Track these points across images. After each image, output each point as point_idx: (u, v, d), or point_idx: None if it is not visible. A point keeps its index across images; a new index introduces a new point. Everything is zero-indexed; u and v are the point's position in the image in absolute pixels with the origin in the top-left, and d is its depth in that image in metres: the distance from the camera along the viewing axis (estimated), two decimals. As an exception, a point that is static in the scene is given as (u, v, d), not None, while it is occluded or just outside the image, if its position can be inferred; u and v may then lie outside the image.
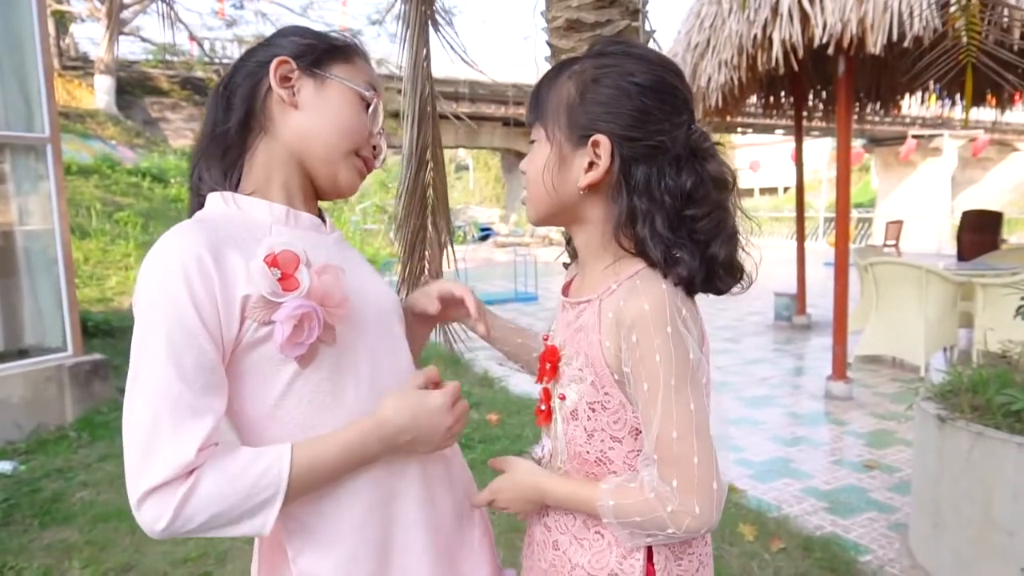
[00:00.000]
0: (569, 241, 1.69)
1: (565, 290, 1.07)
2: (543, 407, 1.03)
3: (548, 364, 1.00)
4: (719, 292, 0.94)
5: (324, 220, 1.02)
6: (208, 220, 0.90)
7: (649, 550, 0.93)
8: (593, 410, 0.94)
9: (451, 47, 1.85)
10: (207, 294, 0.80)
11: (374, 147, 1.01)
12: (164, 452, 0.77)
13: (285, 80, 0.94)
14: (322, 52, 0.97)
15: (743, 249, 0.95)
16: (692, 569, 0.96)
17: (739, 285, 0.95)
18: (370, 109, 0.99)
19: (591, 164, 0.91)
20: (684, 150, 0.91)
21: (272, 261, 0.83)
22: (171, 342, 0.79)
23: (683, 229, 0.90)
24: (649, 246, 0.89)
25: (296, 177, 0.98)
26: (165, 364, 0.79)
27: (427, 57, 1.76)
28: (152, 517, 0.79)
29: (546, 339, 1.06)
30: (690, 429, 0.84)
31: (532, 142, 0.98)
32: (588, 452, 0.96)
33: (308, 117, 0.95)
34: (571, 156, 0.92)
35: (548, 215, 0.98)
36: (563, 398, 0.98)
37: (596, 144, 0.90)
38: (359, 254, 1.07)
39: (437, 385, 0.97)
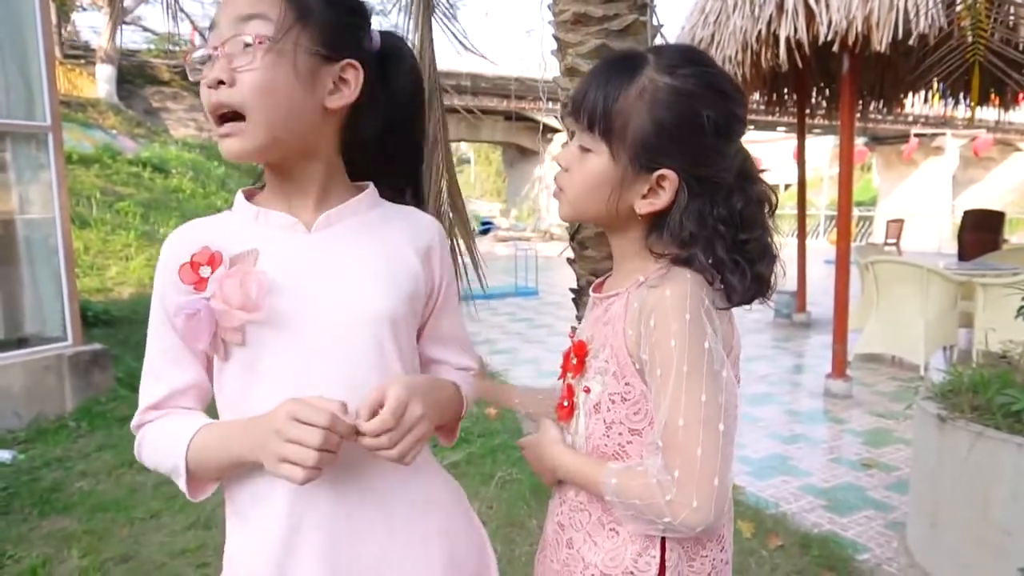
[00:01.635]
0: (573, 237, 1.69)
1: (598, 289, 1.07)
2: (565, 403, 1.03)
3: (575, 358, 1.01)
4: (746, 303, 0.96)
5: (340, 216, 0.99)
6: (203, 221, 1.00)
7: (663, 548, 0.92)
8: (613, 402, 0.94)
9: (454, 36, 1.85)
10: (170, 287, 0.93)
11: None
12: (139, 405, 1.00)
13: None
14: None
15: (781, 265, 0.97)
16: (704, 572, 0.95)
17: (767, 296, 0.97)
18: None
19: (650, 191, 0.92)
20: (736, 176, 0.93)
21: (192, 262, 0.91)
22: (152, 323, 0.98)
23: (734, 252, 0.91)
24: (697, 266, 0.90)
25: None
26: (150, 339, 0.98)
27: (431, 44, 1.76)
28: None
29: (572, 335, 1.07)
30: (697, 418, 0.83)
31: (585, 149, 0.95)
32: (607, 445, 0.96)
33: None
34: (632, 179, 0.92)
35: (587, 219, 1.01)
36: (587, 391, 0.98)
37: (663, 178, 0.91)
38: (360, 257, 0.97)
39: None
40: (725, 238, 0.90)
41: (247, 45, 0.86)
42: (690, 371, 0.84)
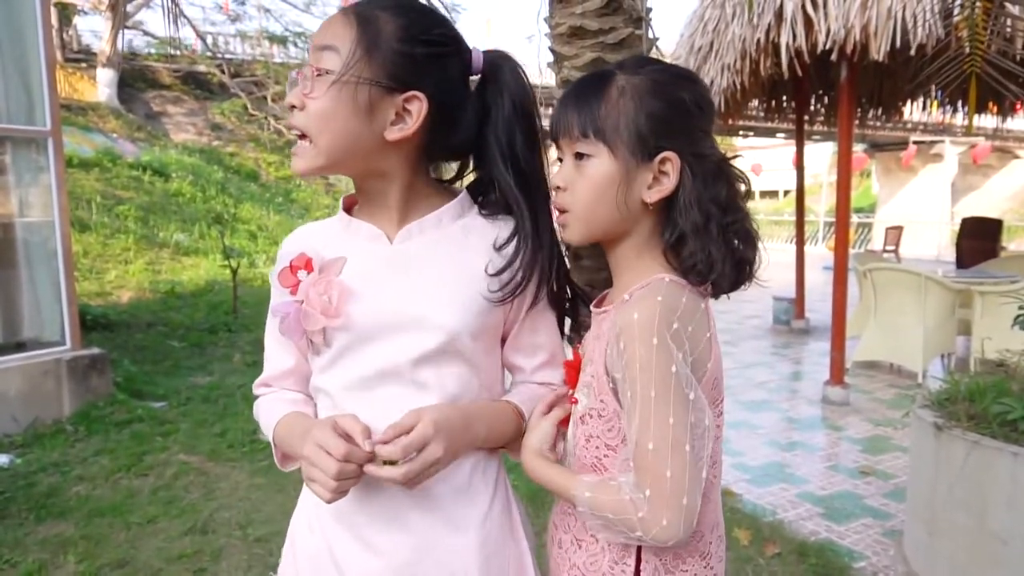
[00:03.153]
0: (568, 247, 1.69)
1: (598, 303, 1.08)
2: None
3: (573, 371, 1.04)
4: (732, 290, 0.99)
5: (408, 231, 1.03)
6: (311, 226, 1.12)
7: (638, 560, 0.95)
8: (591, 416, 0.97)
9: None
10: (275, 287, 1.05)
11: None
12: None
13: None
14: None
15: (763, 249, 1.00)
16: None
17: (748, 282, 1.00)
18: None
19: (655, 179, 0.94)
20: (718, 161, 0.97)
21: (292, 265, 1.01)
22: (269, 314, 1.07)
23: (722, 236, 0.94)
24: (697, 257, 0.93)
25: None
26: (268, 326, 1.10)
27: None
28: None
29: (578, 347, 1.09)
30: (666, 442, 0.85)
31: (582, 156, 0.96)
32: (587, 456, 0.99)
33: None
34: (636, 170, 0.94)
35: (600, 232, 0.99)
36: (575, 402, 1.02)
37: (665, 161, 0.93)
38: (434, 271, 1.00)
39: (349, 439, 0.91)
40: (716, 221, 0.93)
41: (317, 74, 0.93)
42: (657, 395, 0.86)
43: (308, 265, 0.99)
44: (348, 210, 1.08)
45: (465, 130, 1.03)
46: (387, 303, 0.98)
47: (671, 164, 0.93)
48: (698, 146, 0.95)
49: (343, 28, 0.93)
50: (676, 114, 0.94)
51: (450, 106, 0.99)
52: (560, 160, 1.01)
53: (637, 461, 0.87)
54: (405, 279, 0.99)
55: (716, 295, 0.98)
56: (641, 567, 0.95)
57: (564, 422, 1.06)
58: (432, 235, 1.02)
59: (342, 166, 0.98)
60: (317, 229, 1.08)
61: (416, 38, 0.95)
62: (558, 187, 0.99)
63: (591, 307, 1.07)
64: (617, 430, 0.94)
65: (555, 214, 1.03)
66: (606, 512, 0.90)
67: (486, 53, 1.04)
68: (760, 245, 0.99)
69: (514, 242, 1.03)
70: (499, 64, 1.05)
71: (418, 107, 0.95)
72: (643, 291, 0.93)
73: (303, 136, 0.96)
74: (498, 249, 1.02)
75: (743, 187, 0.99)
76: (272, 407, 1.10)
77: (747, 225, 0.97)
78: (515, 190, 1.03)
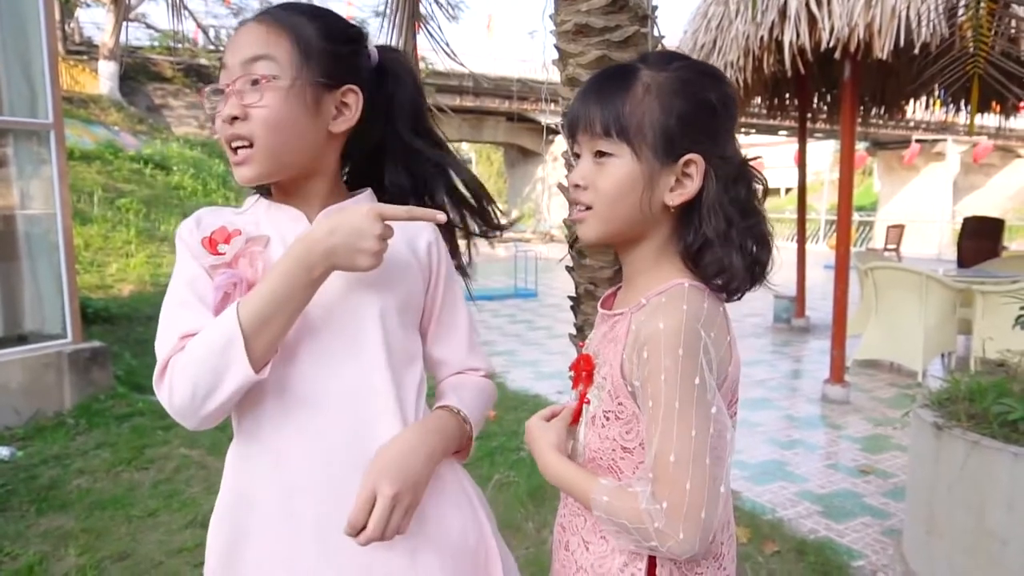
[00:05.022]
0: (572, 245, 1.70)
1: (606, 303, 1.07)
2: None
3: (584, 372, 1.02)
4: (744, 293, 0.98)
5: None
6: (218, 208, 1.08)
7: (651, 564, 0.93)
8: (607, 419, 0.95)
9: (437, 42, 1.87)
10: (196, 255, 1.00)
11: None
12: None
13: None
14: None
15: (776, 251, 0.99)
16: None
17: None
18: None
19: (678, 182, 0.93)
20: (740, 163, 0.96)
21: (211, 238, 0.99)
22: (171, 296, 0.99)
23: (740, 241, 0.93)
24: (721, 263, 0.92)
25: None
26: (166, 305, 0.99)
27: (415, 48, 1.79)
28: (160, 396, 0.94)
29: (581, 346, 1.08)
30: (688, 454, 0.84)
31: (603, 154, 0.94)
32: (601, 458, 0.97)
33: None
34: (659, 172, 0.92)
35: (618, 233, 0.97)
36: (587, 403, 1.00)
37: (690, 163, 0.92)
38: None
39: None
40: (736, 224, 0.93)
41: (255, 83, 0.95)
42: (681, 407, 0.85)
43: (227, 239, 0.99)
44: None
45: (380, 117, 1.10)
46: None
47: (696, 166, 0.91)
48: (722, 148, 0.94)
49: (272, 36, 0.97)
50: (702, 115, 0.92)
51: (369, 95, 1.05)
52: (576, 156, 0.99)
53: (657, 472, 0.86)
54: None
55: (730, 298, 0.97)
56: (656, 572, 0.93)
57: (573, 421, 1.05)
58: None
59: (288, 167, 1.01)
60: (227, 211, 1.07)
61: (336, 37, 1.02)
62: (577, 185, 0.97)
63: (599, 308, 1.06)
64: (636, 433, 0.93)
65: (571, 211, 1.03)
66: (622, 519, 0.88)
67: (377, 47, 1.11)
68: (774, 246, 0.98)
69: (431, 227, 1.11)
70: (389, 55, 1.13)
71: (354, 99, 1.03)
72: (665, 298, 0.91)
73: (248, 145, 0.97)
74: (411, 234, 1.08)
75: (760, 188, 0.98)
76: (207, 326, 0.93)
77: (763, 228, 0.96)
78: (432, 149, 1.14)
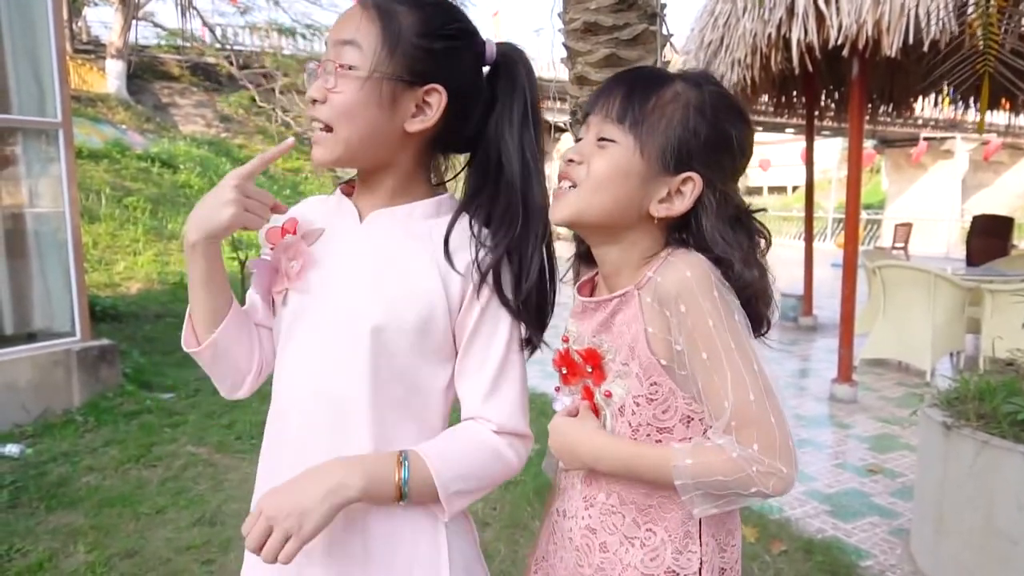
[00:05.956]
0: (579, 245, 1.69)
1: (584, 291, 1.05)
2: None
3: (590, 366, 0.99)
4: None
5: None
6: (317, 199, 1.15)
7: (699, 543, 0.94)
8: (638, 404, 0.94)
9: None
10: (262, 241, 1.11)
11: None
12: None
13: None
14: None
15: (775, 307, 0.98)
16: (732, 561, 0.99)
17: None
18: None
19: (669, 195, 0.92)
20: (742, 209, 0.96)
21: (283, 228, 1.04)
22: None
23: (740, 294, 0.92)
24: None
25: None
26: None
27: None
28: None
29: (566, 341, 1.05)
30: (760, 391, 0.86)
31: (606, 140, 0.93)
32: None
33: None
34: (654, 177, 0.92)
35: (588, 218, 0.95)
36: (609, 395, 0.97)
37: (687, 181, 0.91)
38: (376, 262, 1.00)
39: (276, 209, 1.02)
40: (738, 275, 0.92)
41: (340, 69, 0.94)
42: (737, 347, 0.86)
43: (295, 230, 1.03)
44: (348, 195, 1.09)
45: (475, 120, 1.04)
46: (337, 279, 1.01)
47: (692, 185, 0.91)
48: (724, 183, 0.93)
49: (365, 24, 0.95)
50: (718, 143, 0.92)
51: (464, 97, 1.00)
52: (580, 140, 0.99)
53: (739, 417, 0.85)
54: (357, 262, 1.01)
55: None
56: (703, 550, 0.94)
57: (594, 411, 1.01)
58: (394, 227, 1.02)
59: (360, 158, 1.00)
60: (316, 202, 1.13)
61: (434, 32, 0.97)
62: (571, 160, 0.96)
63: (577, 295, 1.05)
64: (674, 410, 0.92)
65: (553, 185, 1.01)
66: (716, 476, 0.85)
67: (499, 45, 1.05)
68: (775, 305, 0.97)
69: (497, 224, 1.01)
70: (512, 57, 1.05)
71: (437, 99, 0.97)
72: (674, 257, 0.91)
73: (327, 128, 0.97)
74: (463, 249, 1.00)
75: (763, 242, 0.96)
76: None
77: (765, 283, 0.94)
78: (517, 177, 1.02)
